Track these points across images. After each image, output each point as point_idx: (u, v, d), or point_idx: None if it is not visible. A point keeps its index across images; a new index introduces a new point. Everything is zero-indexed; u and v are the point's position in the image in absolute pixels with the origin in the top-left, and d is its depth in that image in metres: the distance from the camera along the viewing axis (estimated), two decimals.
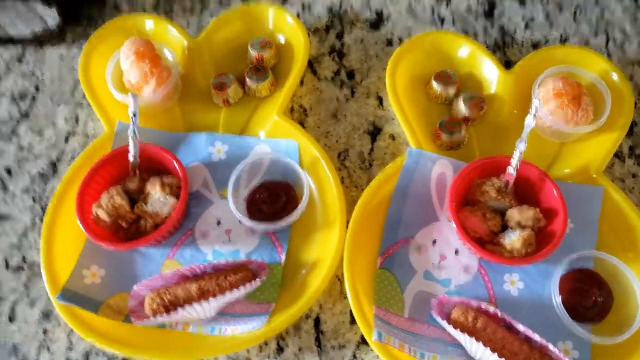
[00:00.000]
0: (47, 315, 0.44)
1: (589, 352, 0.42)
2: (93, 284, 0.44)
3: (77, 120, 0.52)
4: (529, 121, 0.42)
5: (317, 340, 0.43)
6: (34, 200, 0.48)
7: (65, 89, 0.53)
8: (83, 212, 0.43)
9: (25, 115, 0.52)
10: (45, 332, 0.43)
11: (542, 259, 0.41)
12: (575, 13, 0.57)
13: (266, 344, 0.43)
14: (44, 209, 0.48)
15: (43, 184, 0.49)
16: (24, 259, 0.46)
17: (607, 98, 0.48)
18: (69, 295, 0.42)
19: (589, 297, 0.43)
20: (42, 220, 0.47)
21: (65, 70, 0.54)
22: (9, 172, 0.49)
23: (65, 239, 0.44)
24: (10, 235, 0.47)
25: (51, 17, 0.55)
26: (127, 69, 0.47)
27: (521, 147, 0.42)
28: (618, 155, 0.50)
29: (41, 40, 0.55)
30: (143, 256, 0.46)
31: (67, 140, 0.51)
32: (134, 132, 0.43)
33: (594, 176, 0.46)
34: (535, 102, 0.41)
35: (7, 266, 0.46)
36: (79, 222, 0.42)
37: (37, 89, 0.53)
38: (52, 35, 0.55)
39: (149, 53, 0.47)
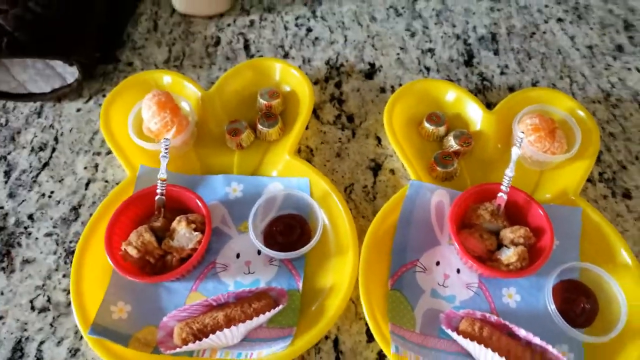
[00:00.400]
0: (74, 352, 0.46)
1: (581, 354, 0.47)
2: (120, 318, 0.47)
3: (96, 168, 0.56)
4: (515, 151, 0.49)
5: (337, 359, 0.47)
6: (57, 244, 0.52)
7: (83, 139, 0.58)
8: (111, 248, 0.47)
9: (45, 164, 0.56)
10: None
11: (536, 270, 0.47)
12: (542, 60, 0.67)
13: None
14: (67, 251, 0.51)
15: (65, 228, 0.52)
16: (49, 299, 0.49)
17: (576, 131, 0.57)
18: (99, 330, 0.45)
19: (577, 304, 0.49)
20: (65, 262, 0.51)
21: (82, 122, 0.59)
22: (31, 218, 0.53)
23: (92, 277, 0.47)
24: (34, 278, 0.50)
25: (70, 74, 0.61)
26: (148, 117, 0.53)
27: (509, 173, 0.50)
28: (590, 180, 0.58)
29: (59, 96, 0.60)
30: (167, 290, 0.49)
31: (87, 186, 0.55)
32: (164, 172, 0.48)
33: (572, 198, 0.54)
34: (520, 135, 0.49)
35: (33, 308, 0.48)
36: (108, 258, 0.46)
37: (56, 140, 0.58)
38: (71, 91, 0.60)
39: (169, 103, 0.53)
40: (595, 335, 0.47)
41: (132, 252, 0.46)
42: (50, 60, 0.60)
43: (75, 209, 0.54)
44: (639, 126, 0.62)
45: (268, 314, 0.45)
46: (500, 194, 0.51)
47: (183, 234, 0.48)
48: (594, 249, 0.51)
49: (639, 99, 0.64)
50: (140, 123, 0.55)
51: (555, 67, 0.66)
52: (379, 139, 0.59)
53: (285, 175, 0.55)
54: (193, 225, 0.48)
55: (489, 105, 0.61)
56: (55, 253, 0.51)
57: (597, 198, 0.57)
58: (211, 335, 0.43)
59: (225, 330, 0.44)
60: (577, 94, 0.64)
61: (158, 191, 0.48)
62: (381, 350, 0.48)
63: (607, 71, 0.66)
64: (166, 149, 0.48)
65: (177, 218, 0.49)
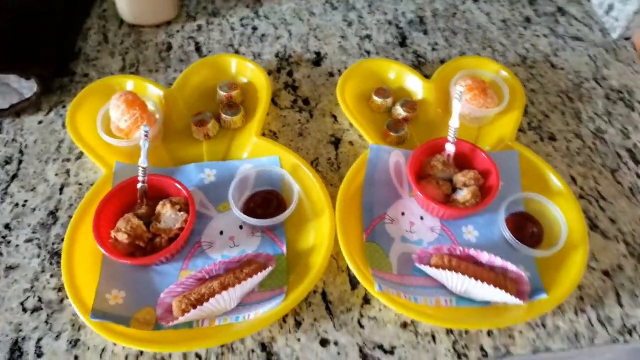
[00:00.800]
0: (74, 343, 0.48)
1: (536, 271, 0.56)
2: (117, 304, 0.50)
3: (68, 173, 0.59)
4: (456, 104, 0.58)
5: (328, 309, 0.52)
6: (39, 247, 0.53)
7: (50, 149, 0.60)
8: (101, 238, 0.50)
9: (14, 176, 0.58)
10: (76, 358, 0.48)
11: (489, 203, 0.55)
12: (465, 36, 0.77)
13: (285, 321, 0.51)
14: (51, 253, 0.53)
15: (46, 232, 0.54)
16: (40, 300, 0.50)
17: (504, 88, 0.66)
18: (99, 315, 0.48)
19: (526, 230, 0.57)
20: (51, 263, 0.53)
21: (46, 133, 0.62)
22: (8, 227, 0.55)
23: (84, 270, 0.50)
24: (21, 282, 0.51)
25: (27, 89, 0.63)
26: (117, 116, 0.56)
27: (454, 125, 0.58)
28: (521, 129, 0.68)
29: (18, 111, 0.62)
30: (158, 273, 0.52)
31: (61, 191, 0.57)
32: (145, 160, 0.52)
33: (509, 144, 0.63)
34: (459, 89, 0.58)
35: (25, 309, 0.50)
36: (99, 246, 0.49)
37: (22, 152, 0.60)
38: (29, 105, 0.63)
39: (137, 101, 0.57)
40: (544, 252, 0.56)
41: (122, 238, 0.49)
42: (5, 77, 0.62)
43: (52, 214, 0.56)
44: (553, 82, 0.73)
45: (260, 275, 0.50)
46: (448, 145, 0.59)
47: (169, 215, 0.52)
48: (533, 183, 0.60)
49: (550, 59, 0.76)
50: (108, 125, 0.59)
51: (477, 40, 0.76)
52: (334, 117, 0.66)
53: (255, 156, 0.60)
54: (178, 207, 0.52)
55: (427, 78, 0.70)
56: (39, 256, 0.53)
57: (529, 144, 0.66)
58: (210, 300, 0.47)
59: (223, 293, 0.48)
60: (500, 60, 0.74)
61: (140, 179, 0.52)
62: (365, 295, 0.53)
63: (521, 39, 0.78)
64: (146, 135, 0.52)
65: (161, 202, 0.52)
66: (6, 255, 0.53)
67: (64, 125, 0.62)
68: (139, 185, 0.52)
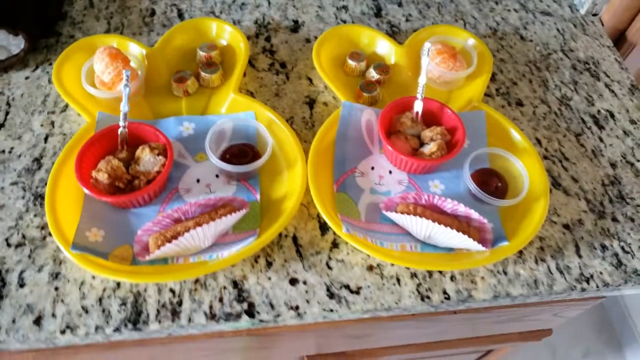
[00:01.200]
0: (55, 275, 0.52)
1: (499, 222, 0.60)
2: (96, 241, 0.53)
3: (52, 124, 0.62)
4: (425, 59, 0.62)
5: (298, 252, 0.56)
6: (24, 190, 0.57)
7: (36, 102, 0.64)
8: (82, 177, 0.53)
9: (1, 126, 0.61)
10: (56, 288, 0.51)
11: (454, 155, 0.59)
12: (438, 8, 0.81)
13: (257, 261, 0.55)
14: (35, 195, 0.56)
15: (30, 176, 0.58)
16: (24, 236, 0.54)
17: (473, 53, 0.71)
18: (80, 247, 0.51)
19: (491, 184, 0.61)
20: (34, 204, 0.56)
21: (33, 87, 0.65)
22: None
23: (66, 208, 0.53)
24: (6, 220, 0.55)
25: (15, 45, 0.66)
26: (101, 69, 0.60)
27: (422, 81, 0.62)
28: (489, 95, 0.72)
29: (6, 66, 0.66)
30: (136, 215, 0.56)
31: (46, 140, 0.61)
32: (127, 105, 0.55)
33: (477, 105, 0.67)
34: (427, 45, 0.62)
35: (8, 244, 0.53)
36: (80, 184, 0.52)
37: (9, 104, 0.63)
38: (17, 61, 0.66)
39: (120, 55, 0.61)
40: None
41: (103, 177, 0.53)
42: None
43: (37, 160, 0.59)
44: (522, 52, 0.77)
45: (234, 215, 0.54)
46: (416, 102, 0.63)
47: (148, 159, 0.55)
48: (498, 142, 0.64)
49: (520, 32, 0.80)
50: (92, 79, 0.63)
51: (450, 12, 0.81)
52: (310, 79, 0.70)
53: (232, 112, 0.64)
54: (156, 151, 0.56)
55: (400, 44, 0.74)
56: (23, 198, 0.56)
57: (496, 107, 0.71)
58: (185, 234, 0.51)
59: (197, 229, 0.51)
60: (471, 31, 0.79)
61: (121, 124, 0.56)
62: (334, 240, 0.57)
63: (492, 13, 0.82)
64: (127, 79, 0.56)
65: (140, 147, 0.56)
66: None
67: (49, 81, 0.66)
68: (120, 130, 0.56)
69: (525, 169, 0.60)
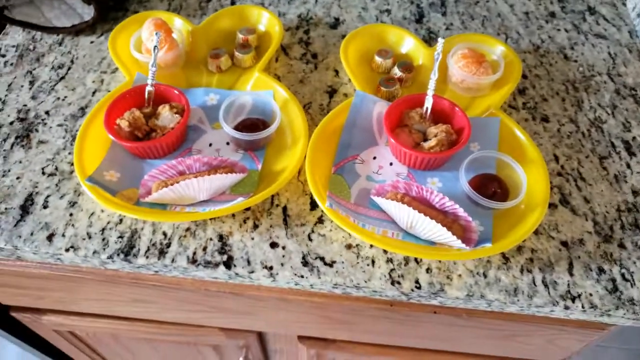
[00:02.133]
0: (72, 204, 0.61)
1: (490, 225, 0.61)
2: (111, 180, 0.62)
3: (102, 82, 0.74)
4: (437, 56, 0.65)
5: (284, 221, 0.61)
6: (66, 131, 0.68)
7: (93, 62, 0.76)
8: (109, 123, 0.63)
9: (62, 78, 0.74)
10: (70, 215, 0.61)
11: (453, 152, 0.62)
12: (482, 21, 0.84)
13: (245, 222, 0.61)
14: (73, 137, 0.67)
15: (74, 121, 0.69)
16: (56, 168, 0.64)
17: (501, 63, 0.72)
18: (94, 181, 0.60)
19: (489, 188, 0.62)
20: (71, 144, 0.67)
21: (94, 50, 0.78)
22: (47, 113, 0.70)
23: (93, 149, 0.63)
24: (46, 153, 0.66)
25: (87, 13, 0.80)
26: (146, 36, 0.70)
27: (433, 76, 0.65)
28: (514, 107, 0.73)
29: (77, 31, 0.79)
30: (151, 165, 0.64)
31: (93, 94, 0.72)
32: (154, 64, 0.65)
33: (494, 111, 0.69)
34: (441, 40, 0.66)
35: (43, 173, 0.64)
36: (105, 128, 0.62)
37: (72, 62, 0.76)
38: (87, 27, 0.79)
39: (164, 25, 0.71)
40: (503, 213, 0.61)
41: (124, 124, 0.62)
42: (72, 2, 0.80)
43: (82, 109, 0.71)
44: (561, 71, 0.77)
45: (232, 176, 0.60)
46: (427, 97, 0.66)
47: (166, 115, 0.64)
48: (510, 150, 0.65)
49: (565, 51, 0.80)
50: (141, 45, 0.73)
51: (494, 26, 0.83)
52: (337, 71, 0.76)
53: (255, 89, 0.71)
54: (175, 110, 0.64)
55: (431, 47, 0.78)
56: (64, 138, 0.67)
57: (518, 120, 0.71)
58: (181, 182, 0.58)
59: (193, 179, 0.59)
60: (511, 46, 0.80)
61: (149, 82, 0.65)
62: (321, 216, 0.62)
63: (539, 30, 0.83)
64: (157, 41, 0.65)
65: (162, 105, 0.65)
66: (40, 132, 0.68)
67: (107, 47, 0.78)
68: (147, 88, 0.65)
69: (526, 177, 0.61)
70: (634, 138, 0.71)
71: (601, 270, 0.59)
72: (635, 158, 0.68)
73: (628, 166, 0.68)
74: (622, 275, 0.59)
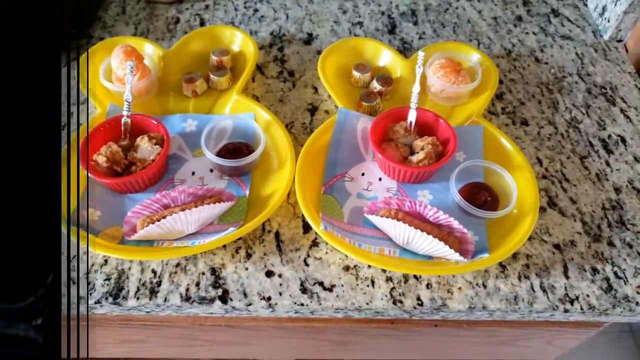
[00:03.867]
0: None
1: (485, 235, 0.61)
2: (92, 219, 0.59)
3: (70, 115, 0.70)
4: (418, 69, 0.65)
5: (278, 247, 0.60)
6: None
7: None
8: (84, 160, 0.60)
9: None
10: None
11: (441, 164, 0.62)
12: (454, 28, 0.85)
13: (237, 252, 0.59)
14: None
15: None
16: None
17: (478, 70, 0.73)
18: (75, 223, 0.57)
19: (479, 197, 0.62)
20: None
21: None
22: None
23: (70, 188, 0.60)
24: None
25: None
26: (116, 65, 0.67)
27: (415, 89, 0.65)
28: (494, 113, 0.74)
29: None
30: (132, 200, 0.62)
31: (63, 128, 0.69)
32: (130, 94, 0.62)
33: (475, 119, 0.69)
34: (421, 53, 0.65)
35: None
36: (81, 166, 0.59)
37: None
38: None
39: (135, 52, 0.68)
40: (495, 221, 0.61)
41: (102, 160, 0.59)
42: None
43: None
44: (534, 74, 0.79)
45: (219, 205, 0.58)
46: (410, 110, 0.66)
47: (145, 147, 0.61)
48: (495, 157, 0.65)
49: (535, 54, 0.82)
50: (110, 74, 0.70)
51: (465, 32, 0.84)
52: (315, 88, 0.75)
53: (235, 112, 0.69)
54: (154, 141, 0.62)
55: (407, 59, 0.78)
56: None
57: (499, 126, 0.72)
58: (168, 217, 0.56)
59: (180, 213, 0.56)
60: (484, 51, 0.81)
61: (124, 113, 0.62)
62: (315, 239, 0.60)
63: (509, 35, 0.84)
64: (131, 69, 0.62)
65: (140, 136, 0.62)
66: None
67: (73, 77, 0.74)
68: (123, 119, 0.62)
69: (515, 184, 0.61)
70: (609, 136, 0.72)
71: (595, 271, 0.60)
72: (613, 156, 0.70)
73: (607, 164, 0.69)
74: (615, 273, 0.60)
